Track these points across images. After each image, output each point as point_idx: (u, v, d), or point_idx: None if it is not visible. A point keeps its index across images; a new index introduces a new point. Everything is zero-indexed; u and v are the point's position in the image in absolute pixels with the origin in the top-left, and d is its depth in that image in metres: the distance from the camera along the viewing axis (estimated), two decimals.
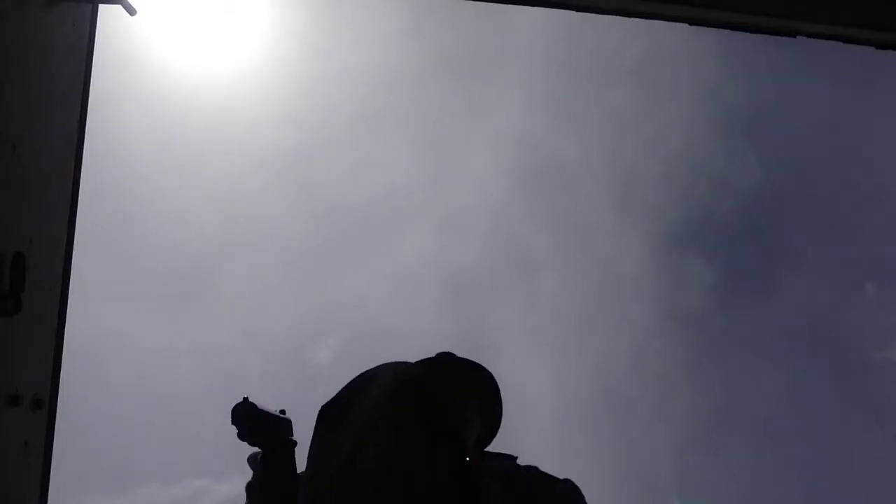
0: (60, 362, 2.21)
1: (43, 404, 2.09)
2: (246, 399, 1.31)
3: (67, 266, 2.28)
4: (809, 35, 2.77)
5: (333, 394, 1.38)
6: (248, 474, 1.53)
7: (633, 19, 2.68)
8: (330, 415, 1.33)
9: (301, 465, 1.45)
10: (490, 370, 1.78)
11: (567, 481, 1.57)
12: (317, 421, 1.34)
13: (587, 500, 1.49)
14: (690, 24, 2.72)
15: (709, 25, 2.73)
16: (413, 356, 1.58)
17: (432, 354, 1.73)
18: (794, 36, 2.76)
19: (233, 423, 1.30)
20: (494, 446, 1.72)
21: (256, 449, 1.49)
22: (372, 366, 1.39)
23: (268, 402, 1.42)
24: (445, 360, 1.73)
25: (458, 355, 1.75)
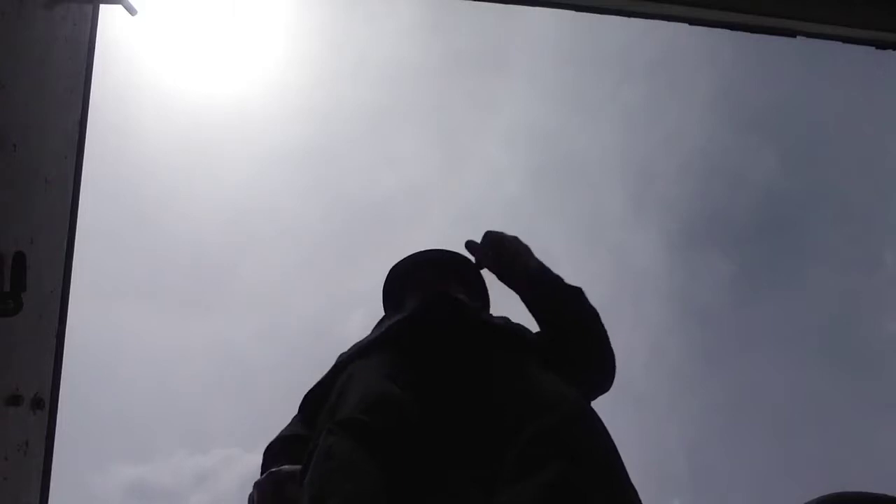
0: (61, 362, 2.21)
1: (43, 404, 2.09)
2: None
3: (68, 266, 2.28)
4: (809, 35, 2.78)
5: None
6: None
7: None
8: None
9: None
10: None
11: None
12: None
13: None
14: (690, 24, 2.72)
15: (709, 25, 2.73)
16: None
17: None
18: (794, 36, 2.77)
19: None
20: None
21: None
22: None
23: None
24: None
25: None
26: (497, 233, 1.68)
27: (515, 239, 1.68)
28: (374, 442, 1.14)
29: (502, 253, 1.65)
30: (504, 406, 1.19)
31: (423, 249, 1.99)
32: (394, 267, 1.97)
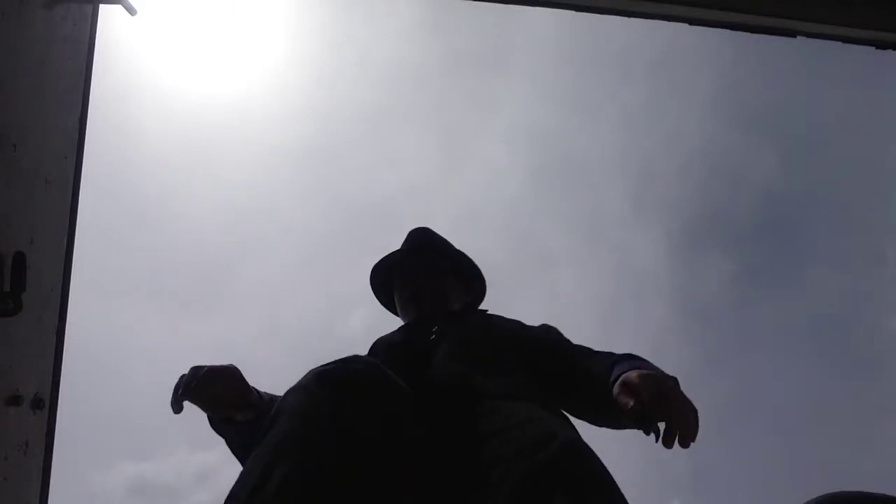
0: (61, 362, 2.21)
1: (43, 404, 2.09)
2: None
3: (68, 265, 2.28)
4: (809, 35, 2.78)
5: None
6: None
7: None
8: None
9: None
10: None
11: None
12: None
13: None
14: (690, 24, 2.72)
15: (709, 25, 2.73)
16: None
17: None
18: (794, 36, 2.77)
19: None
20: None
21: None
22: None
23: None
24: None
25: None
26: (659, 386, 1.25)
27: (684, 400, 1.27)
28: (335, 387, 1.14)
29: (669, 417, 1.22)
30: (494, 443, 1.15)
31: (411, 230, 1.95)
32: (383, 259, 1.94)
